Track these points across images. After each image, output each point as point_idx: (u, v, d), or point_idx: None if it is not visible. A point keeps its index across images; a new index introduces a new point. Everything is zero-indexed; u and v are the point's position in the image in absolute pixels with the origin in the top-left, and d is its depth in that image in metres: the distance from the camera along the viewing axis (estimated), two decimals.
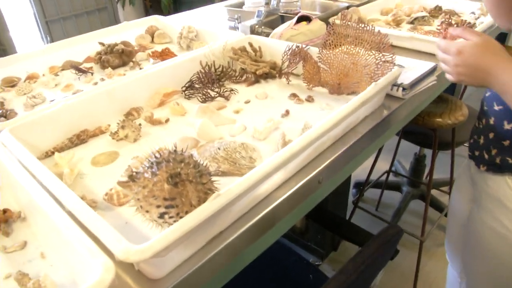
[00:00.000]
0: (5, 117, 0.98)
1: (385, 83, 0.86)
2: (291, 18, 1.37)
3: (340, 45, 1.00)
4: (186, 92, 1.04)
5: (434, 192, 2.01)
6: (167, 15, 1.66)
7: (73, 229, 0.53)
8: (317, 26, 1.33)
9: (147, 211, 0.54)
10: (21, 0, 3.06)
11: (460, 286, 1.13)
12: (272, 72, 1.11)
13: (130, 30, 1.47)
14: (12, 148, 0.72)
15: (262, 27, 1.44)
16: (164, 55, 1.31)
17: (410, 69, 1.08)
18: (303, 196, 0.74)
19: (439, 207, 1.94)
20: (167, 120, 0.93)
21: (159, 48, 1.39)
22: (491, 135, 0.89)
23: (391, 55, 0.93)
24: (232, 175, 0.73)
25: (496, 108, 0.86)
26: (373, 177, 1.93)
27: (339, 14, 1.16)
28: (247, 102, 1.01)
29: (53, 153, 0.81)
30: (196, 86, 1.05)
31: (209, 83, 1.05)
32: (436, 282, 1.71)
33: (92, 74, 1.21)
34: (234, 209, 0.63)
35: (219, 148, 0.79)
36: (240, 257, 0.65)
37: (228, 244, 0.61)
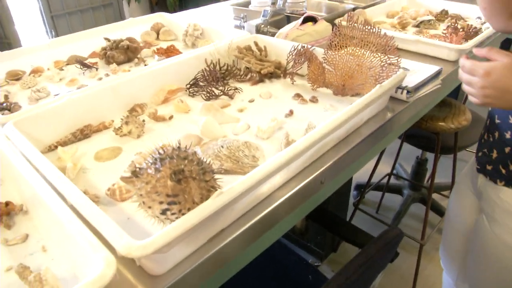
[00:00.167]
0: (9, 110, 0.98)
1: (389, 85, 0.86)
2: (297, 18, 1.37)
3: (346, 47, 1.00)
4: (190, 89, 1.04)
5: (435, 196, 2.01)
6: (172, 12, 1.67)
7: (75, 223, 0.53)
8: (322, 27, 1.33)
9: (149, 207, 0.54)
10: None
11: None
12: (277, 72, 1.11)
13: (136, 26, 1.48)
14: (15, 141, 0.72)
15: (268, 26, 1.44)
16: (169, 52, 1.31)
17: (415, 72, 1.08)
18: (305, 196, 0.74)
19: (440, 211, 1.94)
20: (171, 117, 0.93)
21: (164, 45, 1.39)
22: (507, 150, 0.87)
23: (397, 58, 0.93)
24: (234, 174, 0.74)
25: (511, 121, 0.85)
26: (375, 179, 1.93)
27: (345, 15, 1.16)
28: (251, 101, 1.01)
29: (56, 147, 0.82)
30: (201, 84, 1.05)
31: (214, 81, 1.05)
32: (435, 286, 1.71)
33: (97, 69, 1.21)
34: (236, 207, 0.63)
35: (222, 146, 0.79)
36: (241, 255, 0.65)
37: (229, 242, 0.61)
